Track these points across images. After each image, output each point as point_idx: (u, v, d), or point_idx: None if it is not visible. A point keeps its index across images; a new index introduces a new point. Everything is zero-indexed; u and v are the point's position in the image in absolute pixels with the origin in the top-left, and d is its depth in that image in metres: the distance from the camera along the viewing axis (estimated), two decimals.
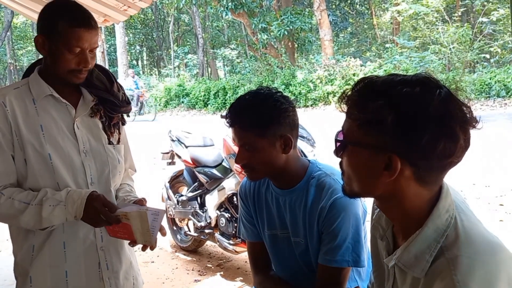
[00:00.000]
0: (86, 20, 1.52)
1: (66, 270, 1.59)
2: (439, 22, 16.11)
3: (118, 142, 1.76)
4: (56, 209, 1.48)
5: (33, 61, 1.96)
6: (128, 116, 1.84)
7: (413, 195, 0.96)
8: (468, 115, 0.91)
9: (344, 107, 1.00)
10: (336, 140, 1.03)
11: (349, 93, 0.98)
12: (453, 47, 14.14)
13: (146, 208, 1.56)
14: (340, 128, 1.03)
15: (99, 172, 1.64)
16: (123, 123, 1.81)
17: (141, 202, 1.65)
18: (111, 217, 1.49)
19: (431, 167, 0.93)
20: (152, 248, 1.59)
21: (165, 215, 1.57)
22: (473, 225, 0.96)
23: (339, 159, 1.06)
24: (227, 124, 1.53)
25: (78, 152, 1.60)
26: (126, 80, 17.80)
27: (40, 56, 1.64)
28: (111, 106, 1.70)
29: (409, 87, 0.90)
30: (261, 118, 1.46)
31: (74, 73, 1.55)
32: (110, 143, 1.69)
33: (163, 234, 1.61)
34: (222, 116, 4.00)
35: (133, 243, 1.58)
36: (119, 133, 1.77)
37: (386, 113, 0.89)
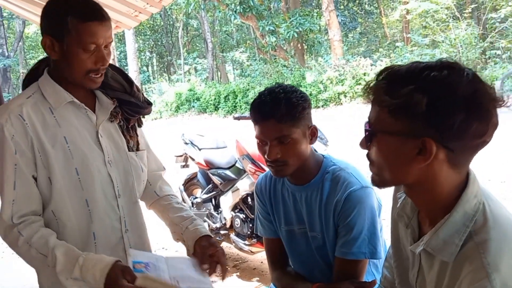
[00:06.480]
0: (97, 12, 1.35)
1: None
2: (449, 19, 15.96)
3: (137, 146, 1.62)
4: (76, 283, 1.33)
5: None
6: (144, 117, 1.70)
7: (444, 179, 0.97)
8: (494, 94, 0.93)
9: (370, 98, 1.00)
10: (366, 130, 1.03)
11: (374, 82, 0.99)
12: (463, 44, 14.01)
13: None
14: (367, 119, 1.03)
15: (123, 183, 1.51)
16: (140, 125, 1.66)
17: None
18: None
19: (464, 148, 0.94)
20: None
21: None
22: (500, 210, 0.98)
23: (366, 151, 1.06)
24: (259, 119, 1.50)
25: (104, 163, 1.46)
26: None
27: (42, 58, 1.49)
28: (133, 108, 1.56)
29: (436, 71, 0.92)
30: (295, 108, 1.48)
31: (90, 75, 1.38)
32: (129, 148, 1.56)
33: (222, 278, 1.48)
34: (235, 118, 4.02)
35: None
36: (137, 136, 1.63)
37: (419, 97, 0.90)
